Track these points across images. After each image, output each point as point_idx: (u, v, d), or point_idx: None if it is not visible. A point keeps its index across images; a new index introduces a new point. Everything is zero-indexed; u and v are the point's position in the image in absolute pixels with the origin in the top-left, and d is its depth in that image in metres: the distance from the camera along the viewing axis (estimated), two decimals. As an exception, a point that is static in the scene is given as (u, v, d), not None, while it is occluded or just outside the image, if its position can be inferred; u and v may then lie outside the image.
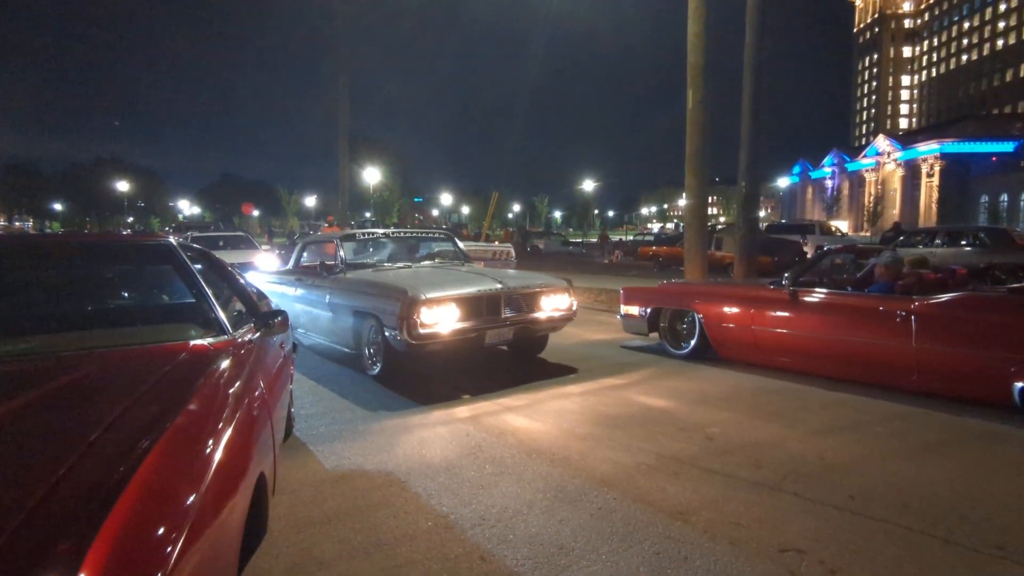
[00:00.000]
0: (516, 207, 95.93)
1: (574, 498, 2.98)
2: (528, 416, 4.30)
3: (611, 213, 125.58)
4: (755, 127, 10.24)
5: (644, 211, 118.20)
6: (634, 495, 3.00)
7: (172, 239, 2.75)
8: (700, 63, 10.14)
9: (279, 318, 2.64)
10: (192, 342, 2.10)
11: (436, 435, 3.93)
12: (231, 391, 1.78)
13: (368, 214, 59.63)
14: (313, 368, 5.90)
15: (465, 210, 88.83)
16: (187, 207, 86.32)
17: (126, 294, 3.02)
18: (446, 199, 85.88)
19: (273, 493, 2.24)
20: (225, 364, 1.96)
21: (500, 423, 4.14)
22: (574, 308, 5.64)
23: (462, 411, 4.43)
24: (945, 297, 4.40)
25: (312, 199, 76.24)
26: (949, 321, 4.29)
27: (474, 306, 4.96)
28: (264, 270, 8.59)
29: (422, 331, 4.66)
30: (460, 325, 4.86)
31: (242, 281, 3.40)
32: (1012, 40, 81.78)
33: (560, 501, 2.95)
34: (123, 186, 63.85)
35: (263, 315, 2.65)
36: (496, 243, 17.98)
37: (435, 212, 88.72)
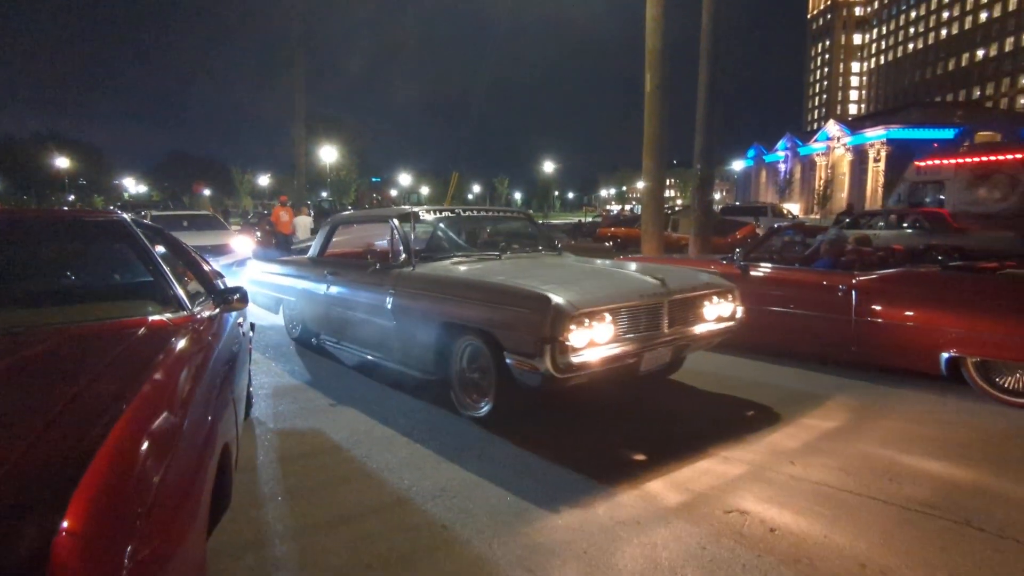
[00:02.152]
0: (476, 188, 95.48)
1: None
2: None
3: (571, 195, 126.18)
4: (711, 111, 10.46)
5: (603, 193, 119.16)
6: None
7: (125, 215, 2.69)
8: (658, 47, 10.27)
9: (237, 295, 2.63)
10: (150, 318, 2.09)
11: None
12: (193, 363, 1.79)
13: (325, 194, 58.39)
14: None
15: (424, 190, 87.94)
16: (133, 185, 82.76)
17: (77, 272, 2.95)
18: (405, 179, 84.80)
19: (236, 467, 2.26)
20: (185, 338, 1.96)
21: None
22: (739, 316, 4.20)
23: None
24: (882, 273, 4.66)
25: (266, 178, 74.17)
26: (885, 295, 4.54)
27: (633, 318, 3.53)
28: (267, 259, 6.80)
29: (573, 358, 3.19)
30: (617, 348, 3.39)
31: (196, 258, 3.36)
32: (955, 30, 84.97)
33: None
34: (63, 162, 60.83)
35: (221, 292, 2.64)
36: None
37: (393, 192, 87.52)
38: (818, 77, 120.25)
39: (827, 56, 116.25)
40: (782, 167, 70.58)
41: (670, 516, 2.63)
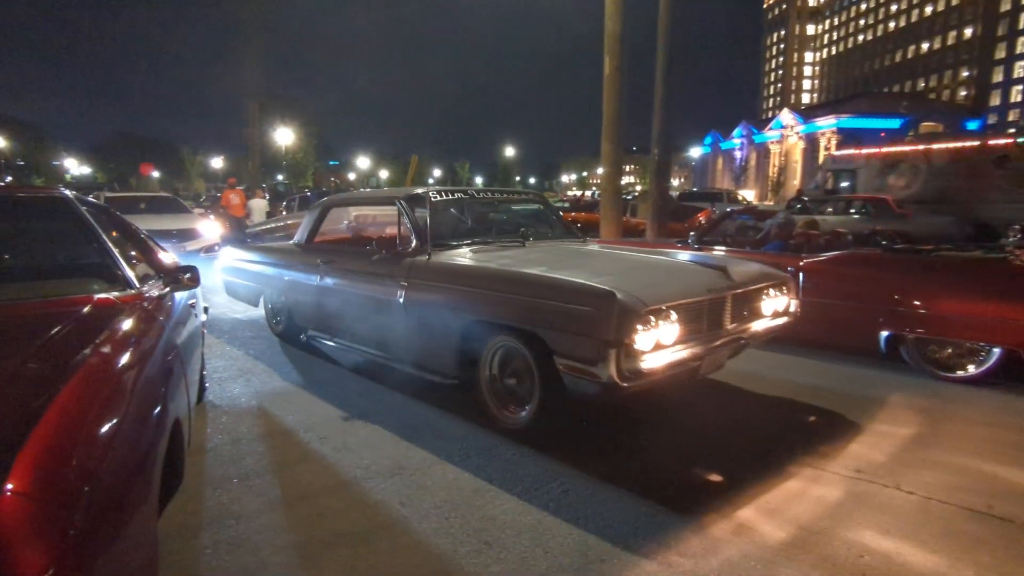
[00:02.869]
0: (437, 172, 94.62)
1: None
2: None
3: (532, 180, 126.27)
4: (668, 97, 10.61)
5: (564, 178, 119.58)
6: None
7: (68, 192, 2.60)
8: (617, 31, 10.33)
9: (188, 274, 2.58)
10: (96, 295, 2.03)
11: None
12: (142, 339, 1.76)
13: (280, 177, 56.99)
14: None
15: (384, 174, 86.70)
16: (76, 166, 78.99)
17: (19, 251, 2.84)
18: (363, 162, 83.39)
19: (189, 446, 2.24)
20: (134, 316, 1.92)
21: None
22: (793, 310, 3.86)
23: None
24: (828, 255, 4.86)
25: (219, 160, 71.84)
26: (829, 276, 4.74)
27: (699, 315, 3.16)
28: (241, 246, 6.19)
29: (640, 365, 2.78)
30: (684, 350, 3.00)
31: (144, 237, 3.27)
32: (902, 23, 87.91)
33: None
34: (-2, 141, 57.66)
35: (171, 271, 2.58)
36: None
37: (352, 176, 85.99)
38: (773, 66, 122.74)
39: (782, 46, 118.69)
40: (738, 154, 72.02)
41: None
